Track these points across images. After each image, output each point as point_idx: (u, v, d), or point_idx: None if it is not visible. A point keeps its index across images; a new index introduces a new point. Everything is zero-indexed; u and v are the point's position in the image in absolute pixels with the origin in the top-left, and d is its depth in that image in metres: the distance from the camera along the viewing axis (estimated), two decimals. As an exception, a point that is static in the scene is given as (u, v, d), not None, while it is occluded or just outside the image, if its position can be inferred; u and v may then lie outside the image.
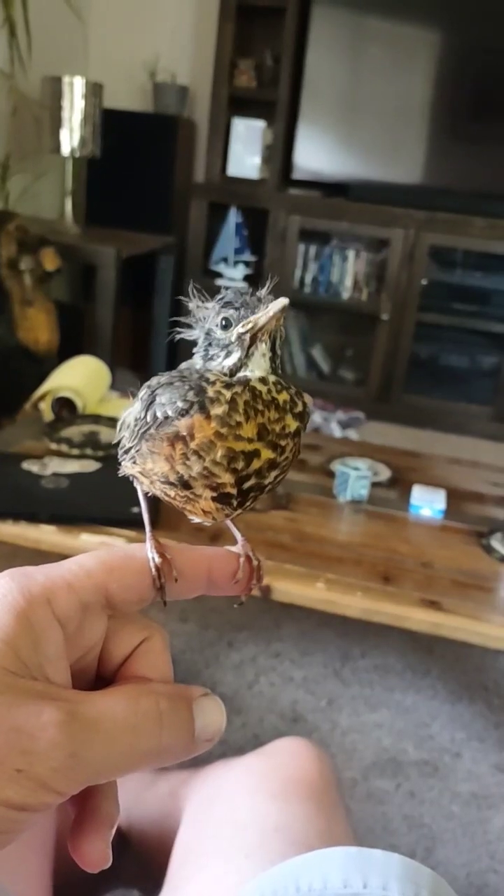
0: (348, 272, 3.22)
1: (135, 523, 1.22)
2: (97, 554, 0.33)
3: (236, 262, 3.20)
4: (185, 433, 0.34)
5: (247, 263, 3.18)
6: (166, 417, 0.34)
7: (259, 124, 3.13)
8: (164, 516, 1.23)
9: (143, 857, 0.87)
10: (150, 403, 0.35)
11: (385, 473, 1.59)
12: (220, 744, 1.34)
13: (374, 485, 1.50)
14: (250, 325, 0.34)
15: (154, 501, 0.39)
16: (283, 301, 0.34)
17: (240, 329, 0.34)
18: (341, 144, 3.19)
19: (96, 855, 0.30)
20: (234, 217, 3.16)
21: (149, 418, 0.35)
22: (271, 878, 0.52)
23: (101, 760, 0.28)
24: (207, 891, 0.58)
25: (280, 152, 3.15)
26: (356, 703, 1.51)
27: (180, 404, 0.34)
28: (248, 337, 0.34)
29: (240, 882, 0.56)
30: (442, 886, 0.49)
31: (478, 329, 3.19)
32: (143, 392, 0.37)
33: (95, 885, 0.87)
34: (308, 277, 3.25)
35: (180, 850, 0.67)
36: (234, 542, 0.38)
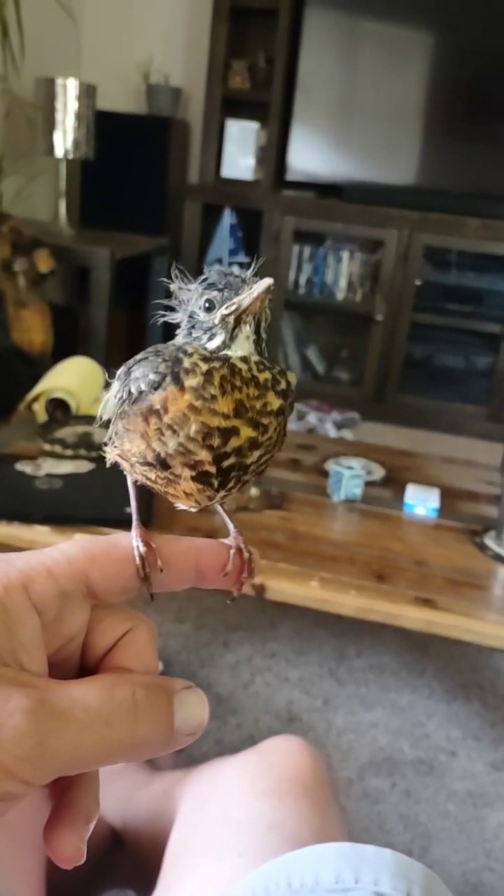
0: (342, 273, 3.23)
1: (128, 523, 1.21)
2: (80, 541, 0.32)
3: (231, 264, 3.20)
4: (158, 406, 0.33)
5: (241, 264, 3.19)
6: (140, 392, 0.33)
7: (253, 126, 3.13)
8: (156, 517, 1.22)
9: (137, 856, 0.87)
10: (125, 380, 0.35)
11: (379, 472, 1.59)
12: (215, 744, 1.33)
13: (368, 484, 1.50)
14: (234, 307, 0.33)
15: (145, 497, 0.38)
16: (267, 281, 0.33)
17: (223, 311, 0.34)
18: (335, 146, 3.19)
19: (70, 850, 0.29)
20: (228, 218, 3.16)
21: (124, 395, 0.34)
22: (263, 874, 0.52)
23: (71, 751, 0.27)
24: (201, 889, 0.58)
25: (274, 153, 3.16)
26: (352, 702, 1.51)
27: (153, 377, 0.33)
28: (231, 319, 0.33)
29: (233, 880, 0.56)
30: (434, 882, 0.49)
31: (472, 329, 3.20)
32: (121, 370, 0.36)
33: (89, 885, 0.87)
34: (302, 278, 3.25)
35: (174, 849, 0.67)
36: (228, 535, 0.37)
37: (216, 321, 0.34)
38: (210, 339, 0.34)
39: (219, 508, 0.39)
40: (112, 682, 0.29)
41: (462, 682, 1.60)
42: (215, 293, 0.34)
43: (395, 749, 1.42)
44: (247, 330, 0.33)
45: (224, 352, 0.33)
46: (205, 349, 0.33)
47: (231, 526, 0.37)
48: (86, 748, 0.27)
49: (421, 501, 1.44)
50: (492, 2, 2.93)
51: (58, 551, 0.31)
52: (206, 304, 0.34)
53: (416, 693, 1.55)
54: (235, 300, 0.33)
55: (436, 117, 3.09)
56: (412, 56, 3.04)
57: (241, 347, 0.33)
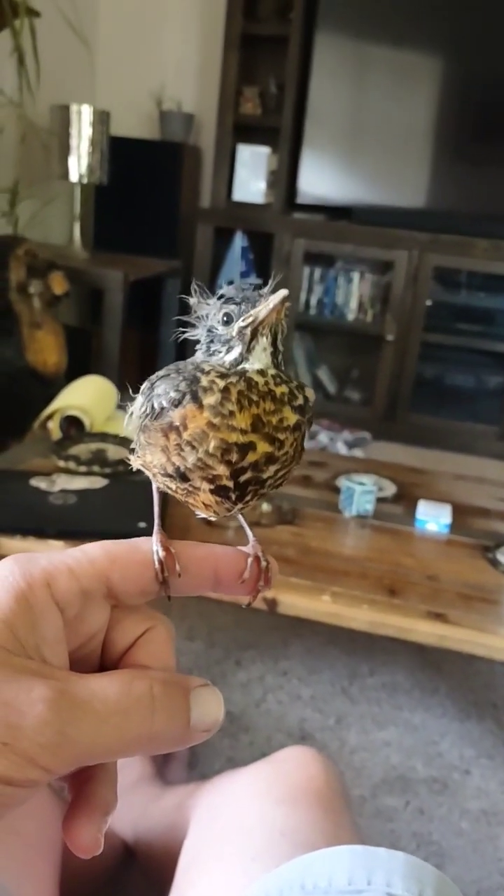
0: (353, 294, 3.25)
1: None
2: (103, 543, 0.33)
3: (244, 287, 3.22)
4: (178, 423, 0.33)
5: (254, 286, 3.21)
6: (162, 408, 0.34)
7: (264, 150, 3.18)
8: (170, 528, 1.23)
9: (150, 870, 0.87)
10: (149, 395, 0.36)
11: (390, 489, 1.59)
12: (227, 762, 1.33)
13: (380, 500, 1.50)
14: (251, 319, 0.34)
15: (165, 501, 0.39)
16: (282, 293, 0.33)
17: (240, 323, 0.34)
18: (345, 169, 3.23)
19: (87, 839, 0.30)
20: (239, 241, 3.20)
21: (147, 410, 0.35)
22: (277, 877, 0.52)
23: (90, 741, 0.28)
24: (213, 893, 0.58)
25: (284, 177, 3.20)
26: (364, 721, 1.51)
27: (173, 394, 0.34)
28: (248, 331, 0.34)
29: (246, 884, 0.56)
30: (446, 885, 0.49)
31: (483, 349, 3.21)
32: (145, 385, 0.37)
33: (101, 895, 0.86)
34: (313, 299, 3.28)
35: (187, 857, 0.67)
36: (247, 543, 0.37)
37: (234, 333, 0.34)
38: (228, 351, 0.34)
39: (240, 517, 0.40)
40: (131, 677, 0.30)
41: (475, 701, 1.59)
42: (233, 306, 0.35)
43: (408, 767, 1.41)
44: (263, 342, 0.34)
45: (241, 365, 0.34)
46: (222, 365, 0.34)
47: (250, 535, 0.38)
48: (104, 739, 0.28)
49: (433, 517, 1.44)
50: (499, 26, 2.97)
51: (80, 552, 0.32)
52: (225, 318, 0.35)
53: (430, 712, 1.55)
54: (252, 312, 0.34)
55: (444, 140, 3.13)
56: (420, 80, 3.09)
57: (259, 360, 0.34)
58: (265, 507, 1.41)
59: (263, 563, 0.36)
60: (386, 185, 3.17)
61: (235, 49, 3.07)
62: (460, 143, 3.11)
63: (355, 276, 3.24)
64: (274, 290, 0.34)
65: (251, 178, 3.21)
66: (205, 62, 3.30)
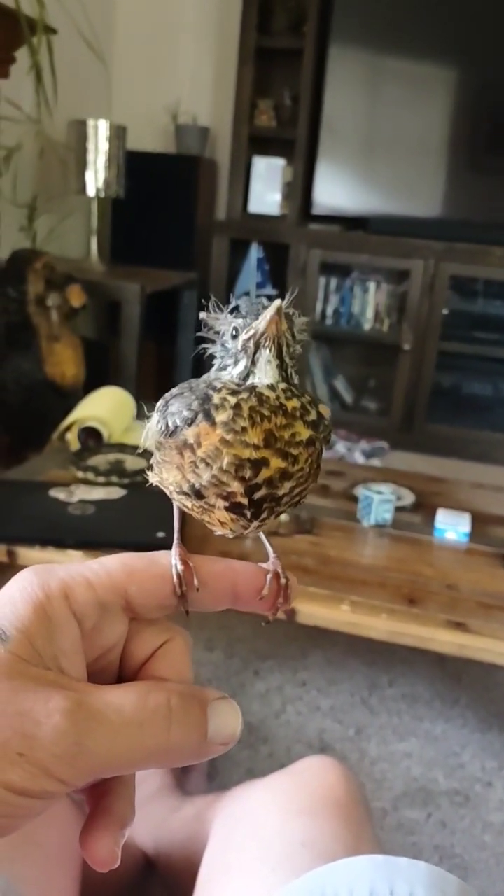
0: (369, 304, 3.25)
1: (159, 549, 1.23)
2: (121, 556, 0.33)
3: (258, 296, 3.23)
4: (192, 441, 0.33)
5: (270, 297, 3.22)
6: (176, 427, 0.34)
7: (279, 162, 3.20)
8: (189, 541, 1.23)
9: (170, 880, 0.86)
10: (164, 413, 0.36)
11: (409, 498, 1.59)
12: (247, 773, 1.32)
13: (398, 509, 1.50)
14: (252, 332, 0.34)
15: (184, 514, 0.39)
16: (276, 303, 0.33)
17: (243, 336, 0.34)
18: (360, 180, 3.24)
19: (104, 853, 0.30)
20: (255, 252, 3.21)
21: (162, 427, 0.35)
22: (298, 887, 0.52)
23: (106, 752, 0.27)
24: (234, 904, 0.58)
25: (300, 188, 3.21)
26: (384, 732, 1.50)
27: (186, 413, 0.34)
28: (251, 344, 0.34)
29: (266, 895, 0.55)
30: (469, 895, 0.48)
31: (500, 357, 3.19)
32: (160, 402, 0.37)
33: (122, 907, 0.86)
34: (329, 309, 3.28)
35: (206, 868, 0.67)
36: (267, 559, 0.37)
37: (238, 347, 0.34)
38: (235, 364, 0.34)
39: (260, 534, 0.40)
40: (147, 689, 0.30)
41: (497, 712, 1.57)
42: (239, 320, 0.35)
43: (429, 779, 1.39)
44: (267, 354, 0.34)
45: (251, 381, 0.34)
46: (232, 380, 0.34)
47: (271, 551, 0.38)
48: (120, 750, 0.28)
49: (451, 526, 1.43)
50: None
51: (98, 564, 0.32)
52: (233, 332, 0.35)
53: (450, 723, 1.53)
54: (252, 325, 0.34)
55: (459, 149, 3.13)
56: (434, 91, 3.09)
57: (265, 372, 0.34)
58: (283, 516, 1.41)
59: (283, 580, 0.36)
60: (401, 195, 3.17)
61: (250, 62, 3.09)
62: (475, 152, 3.11)
63: (371, 285, 3.24)
64: (290, 305, 0.35)
65: (267, 189, 3.23)
66: (220, 76, 3.33)
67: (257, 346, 0.34)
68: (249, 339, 0.34)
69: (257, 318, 0.34)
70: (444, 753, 1.45)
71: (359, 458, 2.80)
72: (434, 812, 1.32)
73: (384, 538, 1.42)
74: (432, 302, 3.08)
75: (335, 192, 3.21)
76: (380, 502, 1.43)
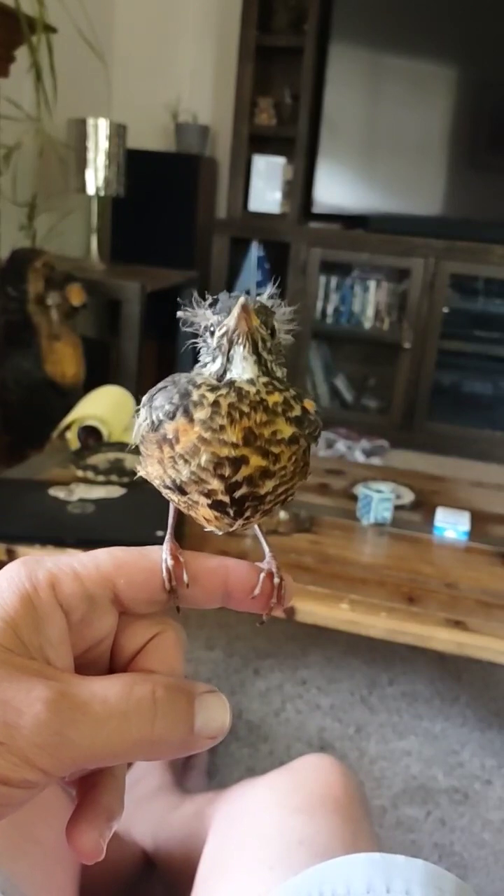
0: (370, 302, 3.25)
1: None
2: (112, 550, 0.33)
3: (258, 295, 3.23)
4: (171, 436, 0.33)
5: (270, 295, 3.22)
6: (159, 421, 0.34)
7: (279, 161, 3.19)
8: (188, 538, 1.24)
9: (169, 878, 0.87)
10: (149, 407, 0.36)
11: (408, 496, 1.59)
12: (247, 771, 1.32)
13: (398, 507, 1.50)
14: (224, 329, 0.34)
15: (177, 518, 0.38)
16: (240, 299, 0.33)
17: (218, 333, 0.34)
18: (360, 178, 3.23)
19: (89, 845, 0.30)
20: (255, 251, 3.21)
21: (148, 422, 0.35)
22: (295, 885, 0.52)
23: (88, 743, 0.27)
24: (232, 902, 0.58)
25: (300, 187, 3.21)
26: (384, 730, 1.50)
27: (168, 407, 0.34)
28: (224, 341, 0.34)
29: (264, 893, 0.55)
30: (466, 893, 0.49)
31: (500, 356, 3.19)
32: (146, 397, 0.37)
33: (121, 905, 0.86)
34: (330, 308, 3.28)
35: (205, 865, 0.67)
36: (264, 559, 0.37)
37: (214, 344, 0.34)
38: (213, 360, 0.34)
39: (257, 531, 0.40)
40: (133, 680, 0.30)
41: (496, 710, 1.57)
42: (215, 317, 0.34)
43: (428, 777, 1.39)
44: (241, 350, 0.33)
45: (229, 376, 0.33)
46: (211, 376, 0.34)
47: (267, 550, 0.37)
48: (103, 741, 0.28)
49: (451, 525, 1.43)
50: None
51: (88, 556, 0.32)
52: (212, 329, 0.35)
53: (450, 721, 1.53)
54: (224, 322, 0.34)
55: (459, 147, 3.13)
56: (435, 89, 3.09)
57: (241, 368, 0.33)
58: (282, 515, 1.41)
59: (277, 580, 0.36)
60: (401, 194, 3.17)
61: (250, 61, 3.09)
62: (475, 151, 3.11)
63: (372, 284, 3.24)
64: (284, 302, 0.35)
65: (267, 188, 3.23)
66: (220, 74, 3.33)
67: (231, 343, 0.33)
68: (222, 335, 0.34)
69: (227, 314, 0.34)
70: (444, 751, 1.45)
71: (359, 457, 2.80)
72: (433, 810, 1.32)
73: (384, 537, 1.42)
74: (432, 300, 3.08)
75: (335, 190, 3.21)
76: (379, 501, 1.44)
